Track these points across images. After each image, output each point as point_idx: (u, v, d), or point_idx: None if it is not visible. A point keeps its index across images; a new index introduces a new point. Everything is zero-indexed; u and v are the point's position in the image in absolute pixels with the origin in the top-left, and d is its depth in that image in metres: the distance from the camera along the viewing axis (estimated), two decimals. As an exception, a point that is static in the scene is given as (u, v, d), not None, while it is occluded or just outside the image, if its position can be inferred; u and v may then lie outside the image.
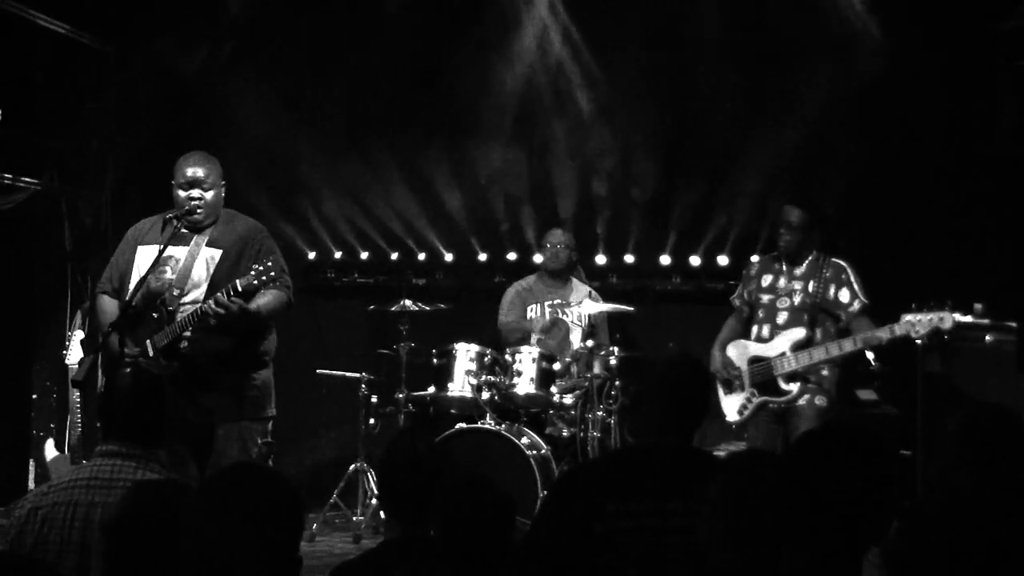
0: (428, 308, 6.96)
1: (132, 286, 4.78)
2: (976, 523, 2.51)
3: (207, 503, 2.21)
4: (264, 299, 4.76)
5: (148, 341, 4.74)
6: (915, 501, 5.74)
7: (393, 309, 6.88)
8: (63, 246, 7.45)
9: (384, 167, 7.96)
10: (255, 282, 4.61)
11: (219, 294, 4.63)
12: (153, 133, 7.52)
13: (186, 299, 4.79)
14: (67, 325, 7.00)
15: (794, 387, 5.44)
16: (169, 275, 4.82)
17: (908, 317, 5.17)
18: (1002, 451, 2.87)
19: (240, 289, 4.60)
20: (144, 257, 4.85)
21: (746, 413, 5.55)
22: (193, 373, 4.69)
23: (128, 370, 3.60)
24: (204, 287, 4.79)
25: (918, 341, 5.21)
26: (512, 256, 7.92)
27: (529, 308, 7.01)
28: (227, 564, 2.13)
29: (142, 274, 4.78)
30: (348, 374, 7.12)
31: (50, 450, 6.41)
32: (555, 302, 6.92)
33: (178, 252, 4.87)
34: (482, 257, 8.01)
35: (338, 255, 8.14)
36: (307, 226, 8.06)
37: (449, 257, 8.06)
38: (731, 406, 5.61)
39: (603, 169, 7.73)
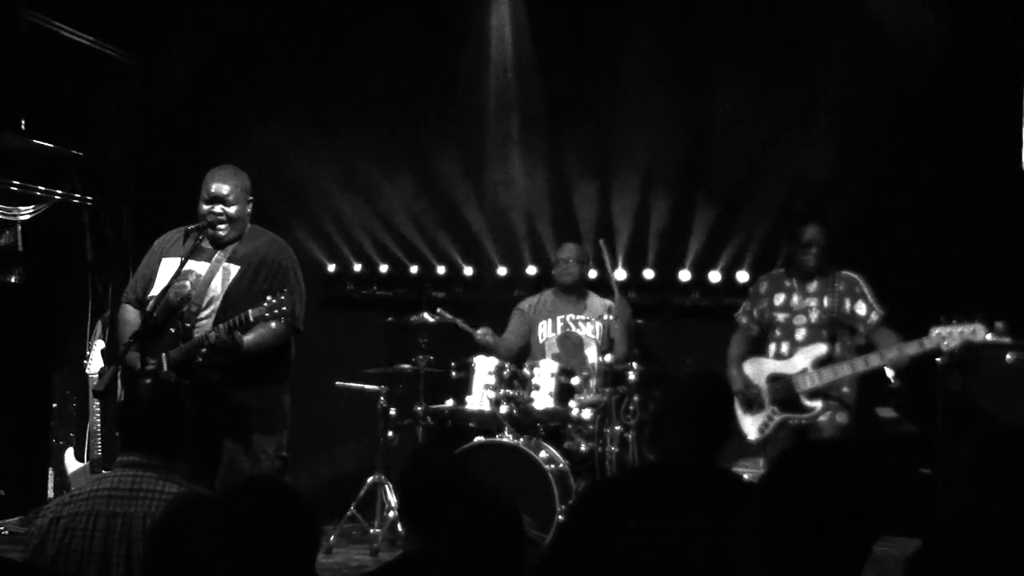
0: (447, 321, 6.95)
1: (153, 298, 4.80)
2: (998, 544, 2.49)
3: (221, 515, 2.21)
4: (257, 332, 4.72)
5: (164, 355, 4.74)
6: (936, 522, 5.73)
7: (412, 321, 6.88)
8: (84, 256, 7.49)
9: (404, 180, 7.98)
10: (266, 314, 4.61)
11: (222, 325, 4.63)
12: (175, 144, 7.56)
13: (202, 315, 4.81)
14: (88, 335, 7.04)
15: (817, 404, 5.41)
16: (189, 289, 4.83)
17: (938, 330, 5.11)
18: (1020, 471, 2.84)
19: (252, 320, 4.61)
20: (167, 269, 4.87)
21: (767, 431, 5.52)
22: (204, 387, 4.66)
23: (148, 380, 3.62)
24: (218, 304, 4.81)
25: (941, 356, 5.17)
26: (532, 270, 7.91)
27: (541, 324, 7.00)
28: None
29: (163, 287, 4.80)
30: (366, 386, 7.12)
31: (70, 460, 6.43)
32: (567, 317, 6.91)
33: (199, 267, 4.89)
34: (501, 271, 8.00)
35: (357, 268, 8.14)
36: (327, 239, 8.07)
37: (468, 270, 8.06)
38: (752, 424, 5.58)
39: (623, 183, 7.71)
